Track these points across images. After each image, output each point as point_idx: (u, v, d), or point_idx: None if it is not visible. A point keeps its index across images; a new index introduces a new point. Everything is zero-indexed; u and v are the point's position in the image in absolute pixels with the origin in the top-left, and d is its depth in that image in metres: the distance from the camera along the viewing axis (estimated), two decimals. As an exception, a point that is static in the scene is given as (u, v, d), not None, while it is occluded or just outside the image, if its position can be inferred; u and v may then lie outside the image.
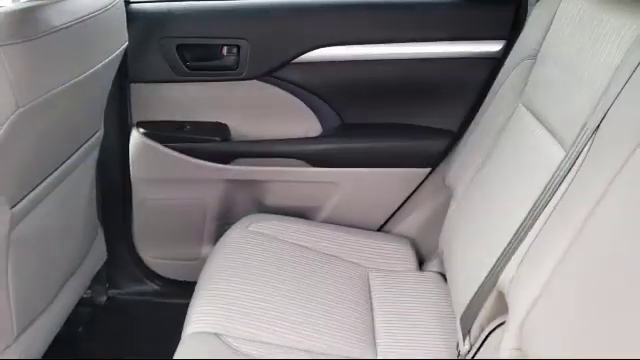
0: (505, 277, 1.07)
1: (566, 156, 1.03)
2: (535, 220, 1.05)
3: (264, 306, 1.25)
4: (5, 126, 0.95)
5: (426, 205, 1.68)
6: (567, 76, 1.15)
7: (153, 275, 1.81)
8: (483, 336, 1.09)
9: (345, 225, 1.67)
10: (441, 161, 1.63)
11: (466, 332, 1.15)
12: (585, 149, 0.98)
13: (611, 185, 0.87)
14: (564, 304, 0.88)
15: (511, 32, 1.50)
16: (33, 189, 1.15)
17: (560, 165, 1.03)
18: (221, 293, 1.27)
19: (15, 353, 1.18)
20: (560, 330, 0.87)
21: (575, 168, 0.99)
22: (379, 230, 1.72)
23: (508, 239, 1.10)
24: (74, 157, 1.31)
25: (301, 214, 1.70)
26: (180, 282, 1.79)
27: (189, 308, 1.27)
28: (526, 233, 1.05)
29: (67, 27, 1.04)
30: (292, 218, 1.62)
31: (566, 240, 0.92)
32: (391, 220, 1.72)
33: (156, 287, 1.81)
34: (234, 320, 1.20)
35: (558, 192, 1.01)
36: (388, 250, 1.57)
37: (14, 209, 1.08)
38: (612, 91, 0.96)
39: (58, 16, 1.02)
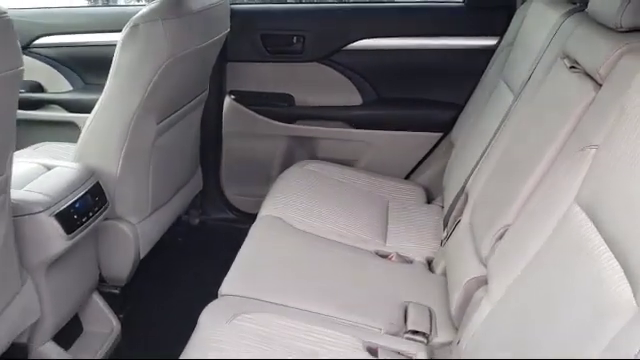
0: (469, 183, 1.61)
1: (512, 100, 1.56)
2: (490, 144, 1.58)
3: (312, 208, 1.81)
4: (162, 68, 1.59)
5: (438, 161, 2.20)
6: (523, 53, 1.68)
7: (232, 207, 2.43)
8: (454, 225, 1.62)
9: (376, 174, 2.22)
10: (451, 127, 2.16)
11: (445, 225, 1.69)
12: (521, 93, 1.52)
13: (527, 111, 1.40)
14: (491, 182, 1.41)
15: (504, 30, 2.02)
16: (167, 117, 1.79)
17: (509, 106, 1.57)
18: (284, 198, 1.85)
19: (146, 225, 1.81)
20: (486, 198, 1.40)
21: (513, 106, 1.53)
22: (402, 179, 2.26)
23: (475, 160, 1.64)
24: (191, 104, 1.95)
25: (343, 164, 2.25)
26: (251, 214, 2.36)
27: (262, 205, 1.85)
28: (485, 152, 1.59)
29: (200, 11, 1.68)
30: (336, 164, 2.18)
31: (503, 145, 1.45)
32: (411, 172, 2.27)
33: (234, 216, 2.42)
34: (292, 212, 1.77)
35: (505, 121, 1.54)
36: (405, 191, 2.10)
37: (158, 126, 1.73)
38: (539, 57, 1.49)
39: (197, 3, 1.67)
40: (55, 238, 1.43)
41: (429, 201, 2.10)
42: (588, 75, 1.15)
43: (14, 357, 1.47)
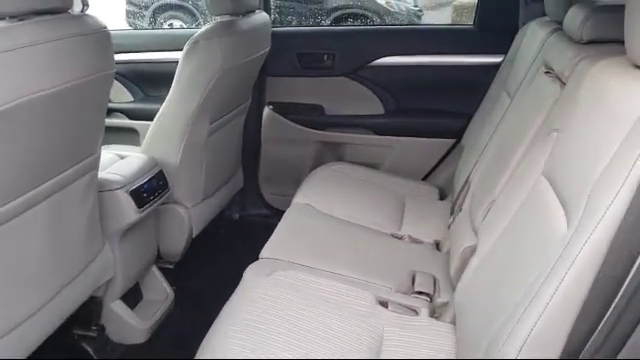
0: (471, 175, 1.89)
1: (509, 102, 1.85)
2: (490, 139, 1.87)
3: (337, 198, 2.11)
4: (216, 77, 1.93)
5: (452, 164, 2.48)
6: (519, 66, 1.97)
7: (268, 204, 2.75)
8: (458, 211, 1.89)
9: (396, 176, 2.52)
10: (462, 133, 2.45)
11: (451, 211, 1.96)
12: (514, 98, 1.80)
13: (515, 110, 1.69)
14: (486, 171, 1.69)
15: (508, 49, 2.31)
16: (218, 119, 2.13)
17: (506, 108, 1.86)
18: (313, 190, 2.15)
19: (198, 210, 2.14)
20: (481, 183, 1.68)
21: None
22: (419, 181, 2.55)
23: (477, 156, 1.92)
24: (236, 110, 2.29)
25: (366, 167, 2.55)
26: (284, 211, 2.67)
27: (294, 196, 2.15)
28: (485, 147, 1.87)
29: (247, 31, 2.04)
30: (360, 166, 2.48)
31: (497, 140, 1.74)
32: (428, 174, 2.55)
33: (268, 212, 2.74)
34: (320, 201, 2.06)
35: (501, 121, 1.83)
36: (420, 189, 2.37)
37: (210, 126, 2.07)
38: (529, 68, 1.78)
39: (245, 25, 2.03)
40: (129, 211, 1.76)
41: (442, 199, 2.37)
42: (557, 77, 1.44)
43: (92, 308, 1.80)
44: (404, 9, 6.36)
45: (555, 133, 1.29)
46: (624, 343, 0.74)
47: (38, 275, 1.41)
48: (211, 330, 1.39)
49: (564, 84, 1.39)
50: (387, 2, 6.18)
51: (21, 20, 1.20)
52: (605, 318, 0.79)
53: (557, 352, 0.91)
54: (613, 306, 0.78)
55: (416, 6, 6.44)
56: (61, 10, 1.32)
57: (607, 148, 0.96)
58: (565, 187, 1.11)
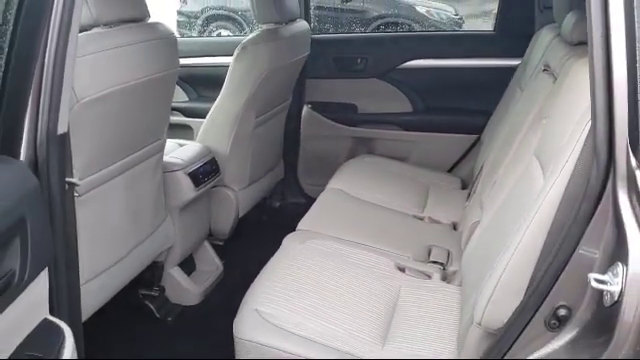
0: (484, 162, 2.13)
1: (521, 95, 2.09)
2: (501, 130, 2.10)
3: (366, 185, 2.37)
4: (262, 77, 2.24)
5: (474, 157, 2.71)
6: (530, 66, 2.20)
7: (305, 194, 3.03)
8: (473, 194, 2.13)
9: (422, 169, 2.76)
10: (483, 130, 2.67)
11: (468, 196, 2.20)
12: (522, 94, 2.04)
13: (521, 103, 1.92)
14: (495, 157, 1.93)
15: (525, 52, 2.54)
16: (263, 114, 2.44)
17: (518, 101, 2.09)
18: (345, 178, 2.43)
19: (244, 193, 2.45)
20: (490, 168, 1.92)
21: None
22: (443, 173, 2.79)
23: (492, 147, 2.16)
24: (278, 107, 2.59)
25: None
26: (321, 200, 2.96)
27: (328, 183, 2.43)
28: (497, 138, 2.11)
29: (289, 37, 2.34)
30: (389, 159, 2.74)
31: (505, 130, 1.98)
32: (452, 167, 2.79)
33: (306, 201, 3.01)
34: (350, 187, 2.34)
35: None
36: (444, 180, 2.62)
37: (256, 119, 2.38)
38: (535, 67, 2.02)
39: (287, 32, 2.34)
40: (187, 189, 2.09)
41: (464, 189, 2.61)
42: (552, 74, 1.68)
43: (154, 272, 2.13)
44: (444, 17, 6.52)
45: (544, 120, 1.53)
46: (564, 267, 0.98)
47: (117, 234, 1.74)
48: (254, 282, 1.68)
49: (556, 79, 1.63)
50: (427, 11, 6.37)
51: (111, 27, 1.53)
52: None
53: (523, 288, 1.15)
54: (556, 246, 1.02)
55: (456, 14, 6.59)
56: (140, 19, 1.65)
57: (573, 120, 1.20)
58: (545, 158, 1.35)
